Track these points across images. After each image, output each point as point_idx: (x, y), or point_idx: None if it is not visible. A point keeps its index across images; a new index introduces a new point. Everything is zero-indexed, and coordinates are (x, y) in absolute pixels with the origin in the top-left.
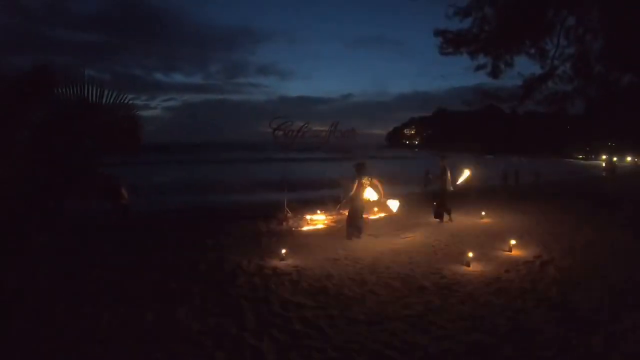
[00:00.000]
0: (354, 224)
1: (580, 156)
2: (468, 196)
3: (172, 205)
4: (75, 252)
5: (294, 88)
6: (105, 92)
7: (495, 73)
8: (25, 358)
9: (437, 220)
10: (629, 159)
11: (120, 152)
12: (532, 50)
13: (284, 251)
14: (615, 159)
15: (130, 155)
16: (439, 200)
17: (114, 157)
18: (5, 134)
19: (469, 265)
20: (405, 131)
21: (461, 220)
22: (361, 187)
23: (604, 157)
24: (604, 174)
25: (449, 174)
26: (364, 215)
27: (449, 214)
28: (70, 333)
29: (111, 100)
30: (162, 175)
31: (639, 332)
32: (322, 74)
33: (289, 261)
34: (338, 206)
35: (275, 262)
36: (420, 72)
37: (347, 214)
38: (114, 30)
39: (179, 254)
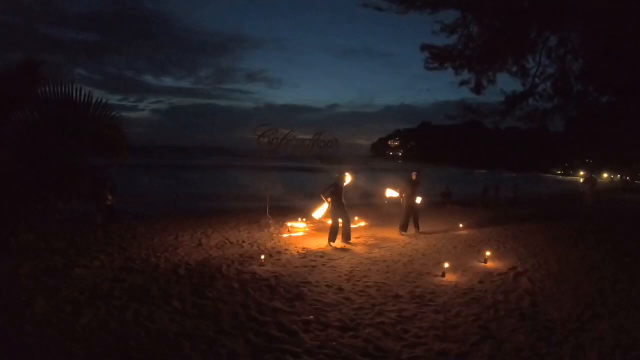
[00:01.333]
0: (338, 231)
1: (559, 172)
2: (447, 208)
3: (155, 207)
4: (58, 251)
5: (281, 96)
6: (90, 94)
7: (478, 89)
8: (3, 354)
9: (402, 232)
10: (605, 175)
11: (106, 156)
12: (514, 68)
13: (263, 257)
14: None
15: (116, 159)
16: (405, 212)
17: (100, 158)
18: None
19: (444, 276)
20: (389, 142)
21: (439, 231)
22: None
23: (581, 172)
24: (582, 190)
25: (417, 188)
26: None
27: (417, 226)
28: (49, 331)
29: (100, 101)
30: (146, 177)
31: (606, 342)
32: (310, 83)
33: (268, 267)
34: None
35: (254, 268)
36: (406, 85)
37: (329, 221)
38: (106, 30)
39: (159, 257)
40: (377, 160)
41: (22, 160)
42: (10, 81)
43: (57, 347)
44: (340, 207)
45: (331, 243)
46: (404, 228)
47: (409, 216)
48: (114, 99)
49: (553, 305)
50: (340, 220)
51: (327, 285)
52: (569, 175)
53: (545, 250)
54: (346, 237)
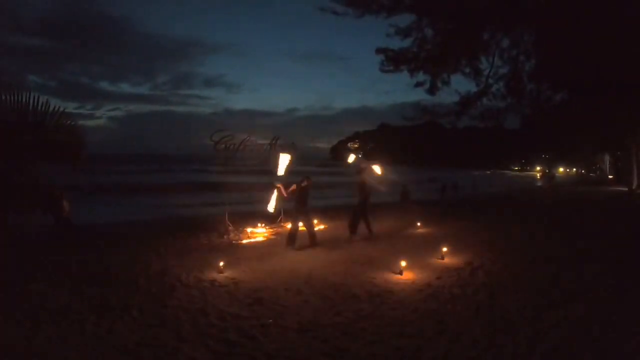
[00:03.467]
0: (297, 235)
1: (516, 168)
2: (405, 208)
3: (113, 218)
4: (14, 266)
5: (240, 101)
6: (47, 103)
7: (432, 90)
8: None
9: (352, 233)
10: (561, 169)
11: (63, 166)
12: (468, 70)
13: (222, 264)
14: (547, 170)
15: (74, 169)
16: (354, 212)
17: (56, 167)
18: None
19: (401, 274)
20: (349, 145)
21: (398, 231)
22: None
23: (538, 168)
24: (539, 184)
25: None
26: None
27: (369, 227)
28: (8, 348)
29: (57, 110)
30: (105, 186)
31: (562, 329)
32: (269, 87)
33: (227, 273)
34: (279, 218)
35: (214, 275)
36: (365, 87)
37: (289, 225)
38: (60, 35)
39: (118, 268)
40: (335, 163)
41: None
42: None
43: None
44: (303, 211)
45: (289, 247)
46: (355, 228)
47: (358, 215)
48: (70, 107)
49: (509, 296)
50: (301, 223)
51: (286, 289)
52: (526, 170)
53: (502, 243)
54: (313, 239)
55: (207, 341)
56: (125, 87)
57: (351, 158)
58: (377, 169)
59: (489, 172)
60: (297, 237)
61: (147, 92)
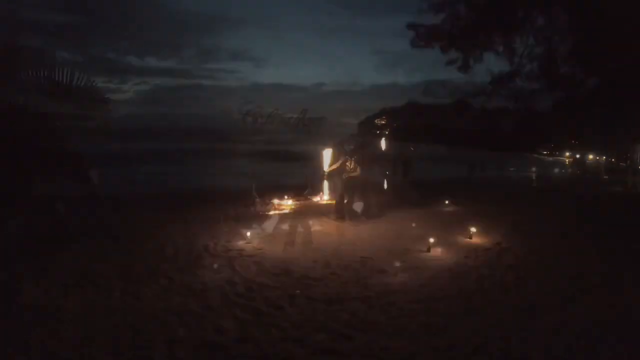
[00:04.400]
0: (346, 206)
1: (545, 152)
2: (433, 185)
3: (141, 189)
4: (42, 234)
5: (267, 75)
6: (76, 75)
7: (464, 68)
8: None
9: (340, 218)
10: (591, 156)
11: (91, 136)
12: (501, 48)
13: (249, 234)
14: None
15: (101, 139)
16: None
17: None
18: None
19: (429, 251)
20: (376, 121)
21: (425, 208)
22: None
23: (567, 153)
24: (569, 170)
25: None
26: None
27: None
28: (36, 311)
29: (82, 84)
30: (133, 159)
31: (589, 317)
32: (296, 62)
33: (255, 244)
34: (306, 191)
35: (241, 245)
36: (393, 64)
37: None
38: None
39: (147, 237)
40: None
41: (3, 140)
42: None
43: (47, 329)
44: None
45: (338, 219)
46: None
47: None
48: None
49: (536, 280)
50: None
51: (314, 261)
52: (555, 155)
53: (530, 226)
54: (339, 213)
55: (234, 310)
56: (152, 62)
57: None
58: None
59: (517, 154)
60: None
61: (174, 66)
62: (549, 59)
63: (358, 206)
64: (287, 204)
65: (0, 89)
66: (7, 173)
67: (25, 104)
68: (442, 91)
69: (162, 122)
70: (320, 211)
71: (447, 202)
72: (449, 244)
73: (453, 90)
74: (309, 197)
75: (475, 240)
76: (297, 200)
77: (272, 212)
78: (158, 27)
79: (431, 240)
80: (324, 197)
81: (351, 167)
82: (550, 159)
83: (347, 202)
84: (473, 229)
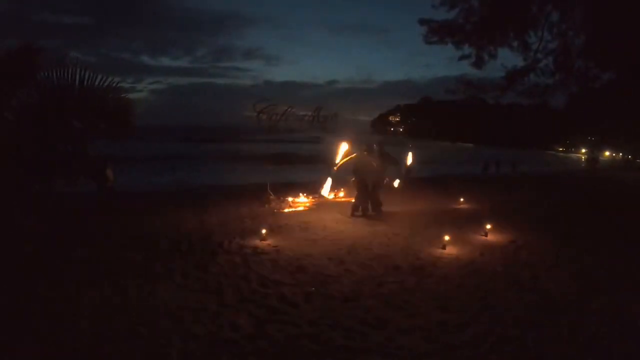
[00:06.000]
0: (365, 201)
1: (561, 149)
2: (447, 183)
3: (156, 186)
4: (59, 232)
5: (280, 73)
6: (93, 76)
7: (478, 64)
8: (7, 334)
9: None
10: (607, 153)
11: (112, 136)
12: (516, 43)
13: (264, 231)
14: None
15: (122, 138)
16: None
17: (104, 139)
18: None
19: (444, 248)
20: (390, 118)
21: (440, 205)
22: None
23: (583, 150)
24: (584, 166)
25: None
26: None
27: (377, 206)
28: (53, 309)
29: (104, 84)
30: (148, 157)
31: (605, 316)
32: (308, 59)
33: (270, 241)
34: (321, 188)
35: (256, 242)
36: (404, 60)
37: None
38: (100, 13)
39: (160, 234)
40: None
41: (24, 141)
42: (8, 65)
43: (62, 324)
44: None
45: (354, 214)
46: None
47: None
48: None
49: (552, 278)
50: (342, 194)
51: (329, 258)
52: (570, 152)
53: (546, 224)
54: (354, 208)
55: (249, 307)
56: (166, 61)
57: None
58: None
59: (532, 151)
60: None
61: (187, 65)
62: (564, 54)
63: (373, 203)
64: (302, 201)
65: (21, 90)
66: (27, 173)
67: (45, 103)
68: (457, 86)
69: (176, 121)
70: (334, 209)
71: (461, 199)
72: (464, 241)
73: (467, 85)
74: (323, 194)
75: (491, 237)
76: (312, 198)
77: (287, 210)
78: (171, 26)
79: (446, 237)
80: (339, 195)
81: (369, 165)
82: (566, 155)
83: (362, 200)
84: (488, 226)
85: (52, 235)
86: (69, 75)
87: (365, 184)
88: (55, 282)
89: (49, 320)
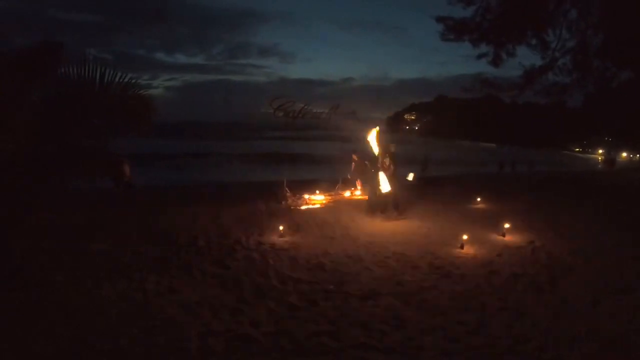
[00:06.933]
0: (378, 202)
1: (577, 149)
2: (464, 182)
3: (173, 183)
4: (76, 228)
5: (295, 70)
6: (111, 73)
7: (496, 62)
8: (25, 328)
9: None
10: (624, 154)
11: (130, 132)
12: (534, 41)
13: (282, 228)
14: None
15: (141, 135)
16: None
17: (123, 135)
18: (10, 110)
19: (462, 248)
20: (405, 116)
21: (457, 204)
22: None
23: (600, 151)
24: (601, 167)
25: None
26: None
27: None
28: (70, 304)
29: (123, 81)
30: (164, 154)
31: (621, 319)
32: (323, 57)
33: (287, 238)
34: (337, 186)
35: (274, 239)
36: (420, 58)
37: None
38: (115, 10)
39: (178, 230)
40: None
41: (42, 137)
42: (27, 61)
43: (78, 319)
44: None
45: (375, 213)
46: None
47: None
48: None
49: (571, 280)
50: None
51: (347, 256)
52: (587, 153)
53: (563, 225)
54: (369, 206)
55: (268, 303)
56: (181, 58)
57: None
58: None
59: (548, 151)
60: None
61: (202, 62)
62: (582, 53)
63: (391, 201)
64: (319, 198)
65: (41, 86)
66: (44, 168)
67: (65, 100)
68: (474, 85)
69: (191, 118)
70: (352, 206)
71: (478, 199)
72: (481, 241)
73: (483, 84)
74: (339, 191)
75: (509, 237)
76: (329, 195)
77: (303, 207)
78: (186, 24)
79: (464, 237)
80: (356, 192)
81: (386, 163)
82: (583, 155)
83: (379, 198)
84: (506, 226)
85: (69, 230)
86: (89, 72)
87: (375, 187)
88: (72, 277)
89: (66, 315)
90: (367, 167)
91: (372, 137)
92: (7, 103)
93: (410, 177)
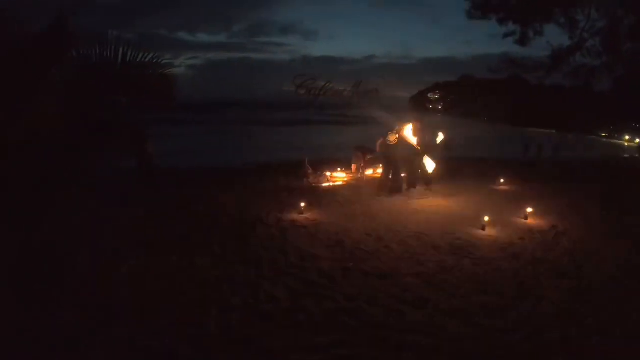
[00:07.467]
0: (391, 181)
1: (603, 134)
2: (487, 163)
3: (195, 161)
4: (100, 204)
5: (317, 48)
6: (134, 52)
7: (523, 41)
8: (54, 297)
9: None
10: None
11: (154, 109)
12: (562, 20)
13: (302, 205)
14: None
15: (163, 112)
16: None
17: (145, 114)
18: (33, 87)
19: (484, 229)
20: (429, 95)
21: (479, 185)
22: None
23: (627, 137)
24: (637, 155)
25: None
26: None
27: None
28: (95, 275)
29: (146, 59)
30: (186, 132)
31: None
32: (346, 34)
33: (308, 215)
34: (362, 165)
35: (294, 216)
36: (444, 36)
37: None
38: None
39: (199, 206)
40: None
41: (66, 116)
42: (47, 38)
43: (100, 292)
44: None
45: (381, 194)
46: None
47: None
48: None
49: (593, 267)
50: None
51: (367, 234)
52: (614, 138)
53: (587, 210)
54: (387, 188)
55: (287, 280)
56: (203, 37)
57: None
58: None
59: (574, 135)
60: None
61: (224, 41)
62: (612, 35)
63: (425, 180)
64: (340, 176)
65: (58, 66)
66: (68, 147)
67: (88, 77)
68: (500, 65)
69: (214, 96)
70: (373, 185)
71: (501, 180)
72: (503, 223)
73: (510, 64)
74: (362, 170)
75: (531, 221)
76: (350, 173)
77: (324, 184)
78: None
79: (486, 218)
80: (377, 171)
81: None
82: (610, 141)
83: (401, 177)
84: (529, 210)
85: (95, 206)
86: (111, 52)
87: (397, 164)
88: (96, 250)
89: (89, 286)
90: (388, 148)
91: (408, 132)
92: (27, 86)
93: (440, 137)
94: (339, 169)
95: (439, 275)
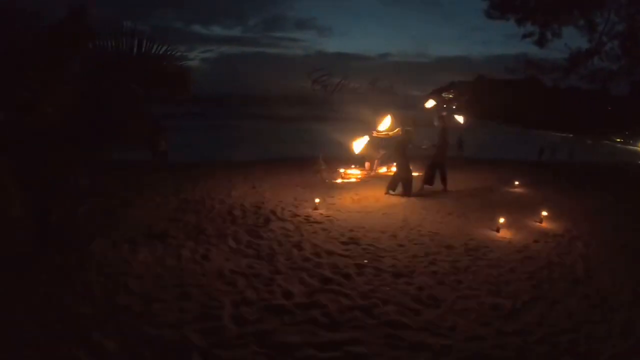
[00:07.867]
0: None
1: (618, 139)
2: (502, 165)
3: (208, 154)
4: (114, 194)
5: (332, 44)
6: (149, 44)
7: (541, 42)
8: (64, 289)
9: (427, 184)
10: None
11: (170, 101)
12: (581, 22)
13: (317, 201)
14: None
15: (179, 103)
16: (432, 162)
17: (162, 107)
18: (52, 79)
19: (498, 231)
20: (443, 94)
21: (494, 187)
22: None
23: None
24: None
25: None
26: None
27: (444, 181)
28: (107, 268)
29: (160, 51)
30: (199, 126)
31: None
32: (360, 31)
33: (322, 211)
34: (376, 162)
35: (309, 211)
36: (460, 36)
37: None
38: None
39: (214, 199)
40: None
41: (84, 106)
42: (65, 29)
43: (114, 283)
44: (400, 160)
45: (390, 192)
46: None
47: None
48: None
49: (607, 273)
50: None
51: (381, 232)
52: (630, 144)
53: (602, 217)
54: (403, 188)
55: (302, 275)
56: (217, 30)
57: (430, 103)
58: (459, 118)
59: (589, 139)
60: (398, 184)
61: (238, 34)
62: (631, 38)
63: (442, 178)
64: (354, 173)
65: (75, 58)
66: (85, 137)
67: (104, 68)
68: (516, 65)
69: (227, 90)
70: (386, 182)
71: (516, 182)
72: (518, 226)
73: (527, 65)
74: (376, 168)
75: (546, 224)
76: (365, 170)
77: (339, 181)
78: None
79: (501, 220)
80: (391, 169)
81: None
82: (626, 146)
83: (415, 176)
84: (544, 213)
85: (108, 196)
86: (126, 44)
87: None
88: (108, 242)
89: (103, 277)
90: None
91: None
92: (45, 76)
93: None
94: (352, 166)
95: (453, 275)
